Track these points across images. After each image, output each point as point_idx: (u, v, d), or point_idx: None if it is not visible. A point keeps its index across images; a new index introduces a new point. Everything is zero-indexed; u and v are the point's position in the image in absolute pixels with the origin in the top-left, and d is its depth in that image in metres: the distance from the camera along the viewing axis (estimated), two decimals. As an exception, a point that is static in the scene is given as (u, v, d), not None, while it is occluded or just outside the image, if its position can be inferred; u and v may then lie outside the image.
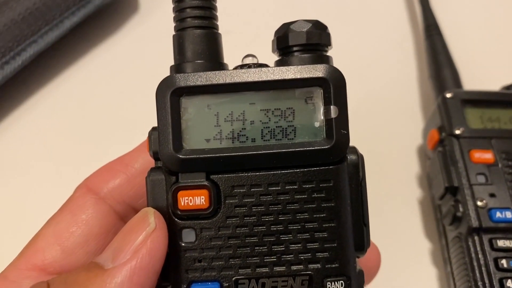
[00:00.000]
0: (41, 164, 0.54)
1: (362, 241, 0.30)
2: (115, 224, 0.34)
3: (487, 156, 0.46)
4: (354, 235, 0.30)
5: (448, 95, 0.49)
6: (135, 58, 0.61)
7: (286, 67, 0.29)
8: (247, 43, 0.60)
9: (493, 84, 0.55)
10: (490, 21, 0.65)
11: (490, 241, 0.42)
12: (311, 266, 0.29)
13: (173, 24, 0.31)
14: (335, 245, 0.29)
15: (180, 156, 0.29)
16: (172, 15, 0.31)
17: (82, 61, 0.60)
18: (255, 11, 0.65)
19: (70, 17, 0.57)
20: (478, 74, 0.58)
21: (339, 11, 0.66)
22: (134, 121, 0.56)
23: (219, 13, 0.31)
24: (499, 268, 0.41)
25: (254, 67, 0.30)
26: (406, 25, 0.65)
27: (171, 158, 0.29)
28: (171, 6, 0.31)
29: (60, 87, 0.58)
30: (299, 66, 0.29)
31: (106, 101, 0.58)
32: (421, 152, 0.55)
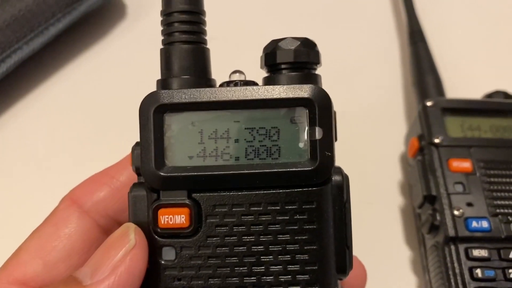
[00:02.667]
0: (25, 171, 0.54)
1: (344, 264, 0.30)
2: (98, 238, 0.35)
3: (465, 165, 0.46)
4: (336, 258, 0.30)
5: (429, 103, 0.50)
6: (122, 65, 0.61)
7: (272, 86, 0.29)
8: (232, 49, 0.60)
9: (477, 91, 0.55)
10: (475, 28, 0.65)
11: (466, 250, 0.42)
12: None
13: (161, 31, 0.31)
14: (316, 267, 0.29)
15: (162, 174, 0.29)
16: (160, 23, 0.31)
17: (68, 68, 0.60)
18: (241, 16, 0.65)
19: (56, 23, 0.57)
20: (462, 82, 0.58)
21: (325, 16, 0.66)
22: (121, 128, 0.56)
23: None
24: (474, 278, 0.41)
25: (240, 85, 0.30)
26: (393, 31, 0.65)
27: (152, 176, 0.29)
28: (159, 13, 0.31)
29: (45, 94, 0.58)
30: (285, 86, 0.29)
31: (92, 109, 0.58)
32: (404, 160, 0.56)
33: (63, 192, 0.36)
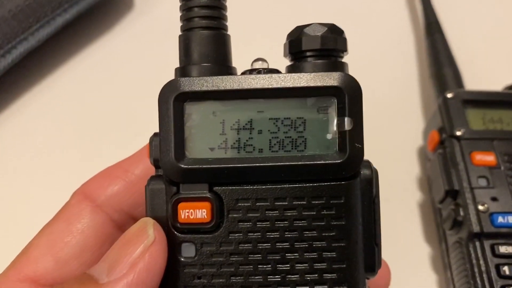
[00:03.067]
0: (34, 166, 0.53)
1: (373, 262, 0.29)
2: (112, 233, 0.33)
3: (489, 158, 0.44)
4: (365, 256, 0.28)
5: (449, 95, 0.48)
6: (129, 57, 0.60)
7: (298, 74, 0.27)
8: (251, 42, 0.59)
9: (496, 83, 0.54)
10: (493, 19, 0.64)
11: (492, 247, 0.41)
12: (317, 287, 0.28)
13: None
14: (344, 266, 0.28)
15: (182, 166, 0.27)
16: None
17: (74, 59, 0.59)
18: (256, 11, 0.64)
19: (62, 14, 0.56)
20: (481, 74, 0.57)
21: (339, 10, 0.64)
22: (130, 121, 0.55)
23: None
24: (501, 275, 0.39)
25: (264, 73, 0.28)
26: (407, 23, 0.63)
27: (172, 168, 0.27)
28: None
29: (51, 86, 0.57)
30: (312, 74, 0.27)
31: (100, 101, 0.57)
32: (422, 154, 0.54)
33: (71, 187, 0.35)
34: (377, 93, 0.58)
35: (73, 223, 0.32)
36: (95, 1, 0.58)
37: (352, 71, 0.60)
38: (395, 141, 0.55)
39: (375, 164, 0.51)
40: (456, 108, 0.47)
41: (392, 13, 0.64)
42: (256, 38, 0.59)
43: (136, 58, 0.59)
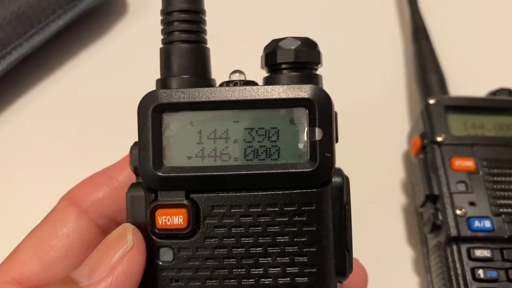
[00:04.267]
0: (24, 170, 0.54)
1: (344, 267, 0.29)
2: (96, 238, 0.34)
3: (468, 163, 0.45)
4: (336, 260, 0.29)
5: (431, 101, 0.49)
6: (123, 63, 0.61)
7: (271, 86, 0.28)
8: (234, 47, 0.60)
9: (481, 89, 0.54)
10: (479, 25, 0.64)
11: (468, 250, 0.42)
12: None
13: (160, 30, 0.30)
14: (315, 270, 0.29)
15: (160, 174, 0.28)
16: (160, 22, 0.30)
17: (68, 65, 0.60)
18: (243, 14, 0.65)
19: (57, 20, 0.57)
20: (466, 80, 0.58)
21: (328, 13, 0.65)
22: (121, 127, 0.56)
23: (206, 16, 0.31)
24: (476, 279, 0.40)
25: (240, 85, 0.29)
26: (396, 28, 0.64)
27: (150, 176, 0.28)
28: (160, 11, 0.30)
29: (45, 91, 0.58)
30: (285, 86, 0.28)
31: (93, 106, 0.58)
32: (407, 158, 0.55)
33: (61, 192, 0.36)
34: (365, 97, 0.59)
35: (59, 227, 0.34)
36: (89, 7, 0.59)
37: (339, 75, 0.62)
38: (381, 144, 0.56)
39: (360, 167, 0.53)
40: (437, 114, 0.48)
41: (381, 18, 0.65)
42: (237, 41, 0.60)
43: (130, 63, 0.60)
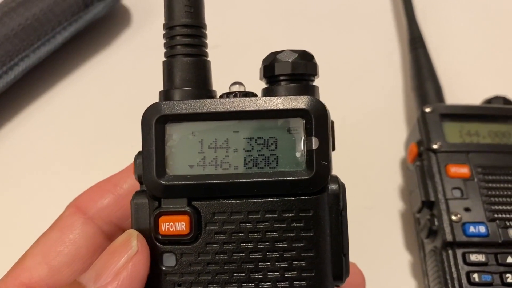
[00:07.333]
0: (31, 179, 0.55)
1: (340, 271, 0.31)
2: (102, 244, 0.36)
3: (463, 170, 0.46)
4: (333, 265, 0.30)
5: (427, 109, 0.50)
6: (127, 73, 0.62)
7: (269, 98, 0.30)
8: (234, 57, 0.61)
9: (477, 97, 0.55)
10: (475, 34, 0.66)
11: (463, 255, 0.43)
12: None
13: (163, 44, 0.32)
14: (313, 274, 0.30)
15: (163, 182, 0.29)
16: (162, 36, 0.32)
17: (74, 75, 0.62)
18: (244, 24, 0.66)
19: (62, 32, 0.58)
20: (462, 88, 0.59)
21: (326, 23, 0.67)
22: (126, 136, 0.57)
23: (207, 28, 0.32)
24: (471, 283, 0.42)
25: (239, 96, 0.30)
26: (393, 37, 0.66)
27: (153, 184, 0.30)
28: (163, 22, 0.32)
29: (52, 101, 0.60)
30: (282, 97, 0.30)
31: (98, 116, 0.59)
32: (404, 165, 0.56)
33: (68, 199, 0.37)
34: (363, 105, 0.60)
35: (66, 233, 0.35)
36: (94, 19, 0.61)
37: (337, 83, 0.63)
38: (379, 151, 0.57)
39: (359, 174, 0.54)
40: (433, 121, 0.49)
41: (378, 27, 0.66)
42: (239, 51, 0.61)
43: (134, 73, 0.62)
